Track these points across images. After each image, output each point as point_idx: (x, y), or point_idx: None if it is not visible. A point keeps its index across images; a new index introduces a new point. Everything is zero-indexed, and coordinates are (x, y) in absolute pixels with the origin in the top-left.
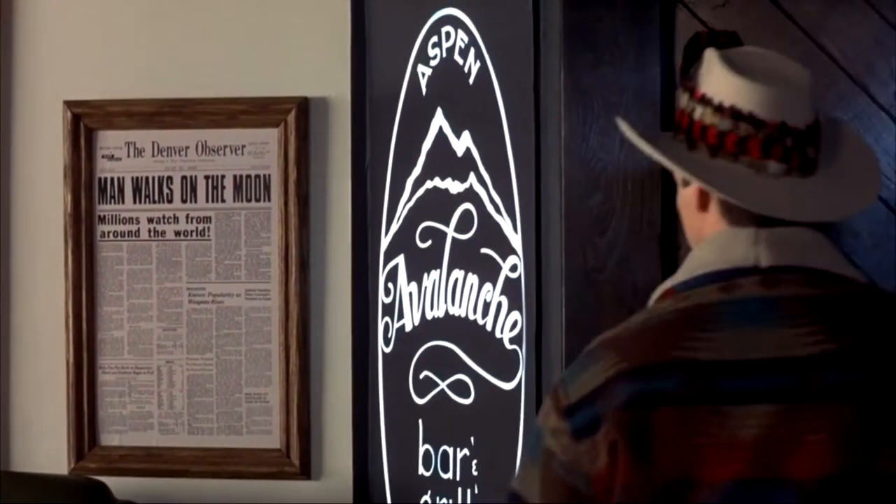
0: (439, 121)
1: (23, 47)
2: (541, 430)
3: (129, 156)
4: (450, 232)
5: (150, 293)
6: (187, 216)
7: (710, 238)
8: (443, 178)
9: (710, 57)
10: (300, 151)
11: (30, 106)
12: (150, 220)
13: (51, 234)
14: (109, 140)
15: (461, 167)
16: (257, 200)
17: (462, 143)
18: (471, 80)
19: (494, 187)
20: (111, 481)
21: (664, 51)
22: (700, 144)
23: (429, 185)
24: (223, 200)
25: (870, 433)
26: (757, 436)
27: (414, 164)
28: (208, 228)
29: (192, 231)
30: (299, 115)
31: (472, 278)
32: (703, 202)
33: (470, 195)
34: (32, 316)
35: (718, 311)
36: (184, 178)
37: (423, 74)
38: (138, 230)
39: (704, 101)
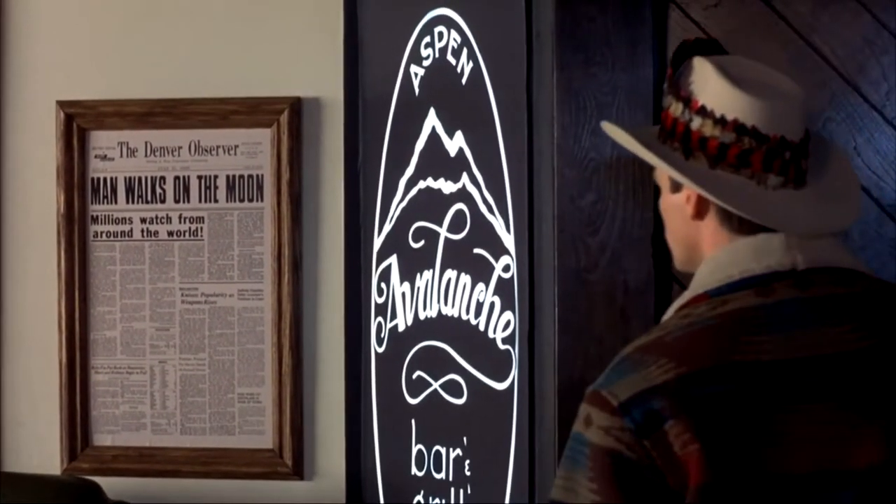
0: (432, 121)
1: (15, 47)
2: (582, 436)
3: (121, 156)
4: (443, 232)
5: (142, 293)
6: (180, 216)
7: (735, 246)
8: (436, 179)
9: (704, 67)
10: (293, 152)
11: (22, 106)
12: (143, 221)
13: (43, 234)
14: (102, 140)
15: (454, 167)
16: (250, 200)
17: (455, 144)
18: (463, 81)
19: (487, 187)
20: (104, 481)
21: (656, 51)
22: (698, 154)
23: (421, 185)
24: (216, 200)
25: None
26: (823, 430)
27: (407, 164)
28: (201, 228)
29: (184, 231)
30: (292, 116)
31: (465, 278)
32: (701, 211)
33: (463, 195)
34: (25, 316)
35: (762, 314)
36: (176, 178)
37: (416, 74)
38: (131, 230)
39: (703, 112)
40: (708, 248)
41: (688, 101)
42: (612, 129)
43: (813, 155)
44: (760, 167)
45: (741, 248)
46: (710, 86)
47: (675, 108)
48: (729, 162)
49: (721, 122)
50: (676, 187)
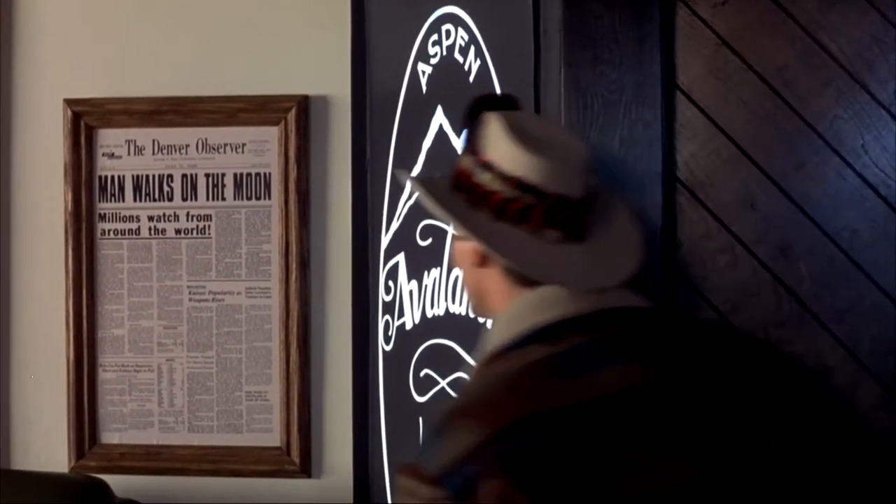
0: (440, 119)
1: (23, 46)
2: None
3: (129, 154)
4: (450, 230)
5: (150, 291)
6: (188, 214)
7: (523, 300)
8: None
9: (495, 124)
10: (300, 149)
11: (30, 104)
12: (151, 219)
13: (51, 232)
14: (109, 138)
15: None
16: (258, 198)
17: (463, 141)
18: (471, 78)
19: None
20: (111, 479)
21: (664, 49)
22: (483, 207)
23: None
24: (223, 198)
25: (712, 437)
26: (628, 461)
27: (414, 162)
28: (209, 226)
29: (192, 229)
30: (299, 114)
31: None
32: (481, 260)
33: None
34: (33, 314)
35: (554, 362)
36: (184, 176)
37: (424, 72)
38: (139, 228)
39: (489, 167)
40: (495, 297)
41: (476, 155)
42: (406, 179)
43: (598, 211)
44: (540, 223)
45: (529, 302)
46: (498, 143)
47: (466, 161)
48: (511, 216)
49: (505, 178)
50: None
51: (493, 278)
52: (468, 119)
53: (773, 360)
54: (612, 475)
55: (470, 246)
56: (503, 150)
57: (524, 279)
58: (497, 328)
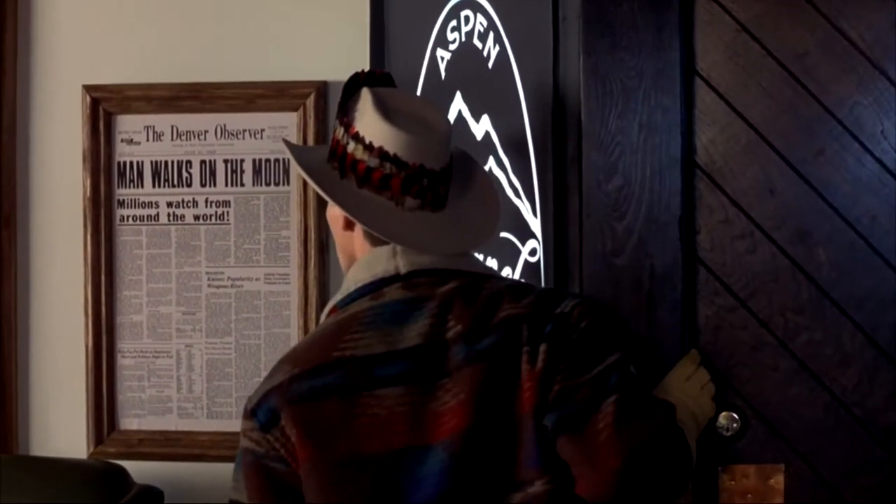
0: (458, 104)
1: (42, 32)
2: (240, 443)
3: (148, 140)
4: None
5: (169, 277)
6: (206, 200)
7: (359, 260)
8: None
9: (365, 98)
10: (319, 135)
11: (49, 91)
12: (170, 205)
13: (70, 218)
14: (128, 124)
15: (480, 151)
16: (276, 184)
17: (481, 127)
18: (490, 64)
19: (514, 171)
20: (130, 465)
21: (683, 35)
22: (350, 175)
23: None
24: (242, 184)
25: (495, 387)
26: (409, 410)
27: None
28: (227, 212)
29: (211, 215)
30: (318, 99)
31: (492, 262)
32: (349, 223)
33: None
34: (51, 300)
35: (369, 315)
36: (203, 162)
37: (442, 58)
38: (157, 214)
39: (357, 138)
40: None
41: (348, 126)
42: (287, 146)
43: (459, 182)
44: (399, 191)
45: (358, 264)
46: (366, 116)
47: (339, 132)
48: (373, 184)
49: (369, 148)
50: None
51: (358, 241)
52: (345, 93)
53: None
54: (368, 426)
55: (339, 211)
56: (369, 123)
57: (382, 240)
58: (343, 286)
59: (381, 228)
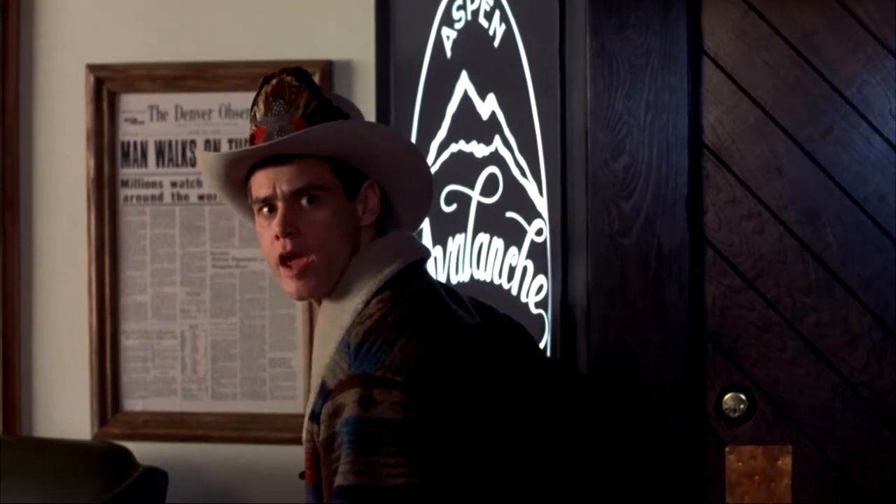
0: (464, 84)
1: (45, 12)
2: (367, 418)
3: (151, 119)
4: (475, 195)
5: (173, 258)
6: None
7: (390, 239)
8: (468, 142)
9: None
10: None
11: (52, 70)
12: (174, 185)
13: (74, 198)
14: (132, 104)
15: (486, 130)
16: None
17: (487, 107)
18: (496, 43)
19: (520, 150)
20: (134, 446)
21: (690, 14)
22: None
23: (454, 148)
24: None
25: None
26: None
27: (438, 127)
28: None
29: (215, 195)
30: (323, 79)
31: (498, 242)
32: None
33: (495, 158)
34: (55, 281)
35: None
36: (207, 141)
37: (448, 37)
38: (161, 194)
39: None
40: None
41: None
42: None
43: None
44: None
45: (393, 244)
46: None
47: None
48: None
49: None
50: None
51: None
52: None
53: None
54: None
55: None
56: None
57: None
58: (376, 265)
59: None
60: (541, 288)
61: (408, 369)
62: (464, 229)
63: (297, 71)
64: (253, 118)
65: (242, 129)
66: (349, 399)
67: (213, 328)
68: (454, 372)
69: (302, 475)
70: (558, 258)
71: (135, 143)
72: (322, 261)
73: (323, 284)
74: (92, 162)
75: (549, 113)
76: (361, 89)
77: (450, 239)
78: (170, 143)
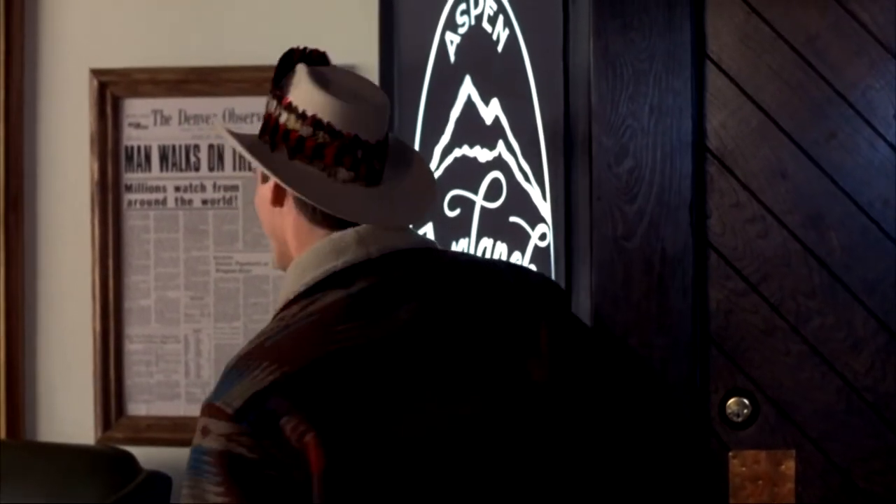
0: (468, 88)
1: (49, 16)
2: (201, 447)
3: (155, 124)
4: (478, 200)
5: (177, 262)
6: (214, 184)
7: (315, 248)
8: (471, 146)
9: (301, 71)
10: None
11: (56, 74)
12: (177, 189)
13: (77, 202)
14: (136, 108)
15: (490, 135)
16: None
17: (491, 111)
18: (499, 48)
19: (523, 155)
20: (138, 451)
21: (694, 16)
22: (281, 146)
23: (457, 153)
24: (250, 169)
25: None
26: (414, 398)
27: (442, 131)
28: (235, 197)
29: (219, 199)
30: None
31: (501, 247)
32: (279, 198)
33: (499, 163)
34: (59, 285)
35: (346, 304)
36: (211, 146)
37: (452, 42)
38: (165, 199)
39: (290, 108)
40: (293, 241)
41: (280, 98)
42: (218, 128)
43: (394, 161)
44: (332, 160)
45: (321, 250)
46: (300, 87)
47: (271, 105)
48: (305, 154)
49: (302, 116)
50: (265, 178)
51: (289, 218)
52: (279, 69)
53: (547, 303)
54: (395, 413)
55: (268, 186)
56: (304, 92)
57: (316, 218)
58: (290, 277)
59: (315, 196)
60: None
61: (240, 402)
62: (467, 234)
63: None
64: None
65: (246, 133)
66: (197, 427)
67: (216, 332)
68: (302, 402)
69: None
70: (562, 263)
71: (138, 148)
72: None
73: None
74: (96, 166)
75: (553, 117)
76: None
77: (453, 243)
78: (173, 147)
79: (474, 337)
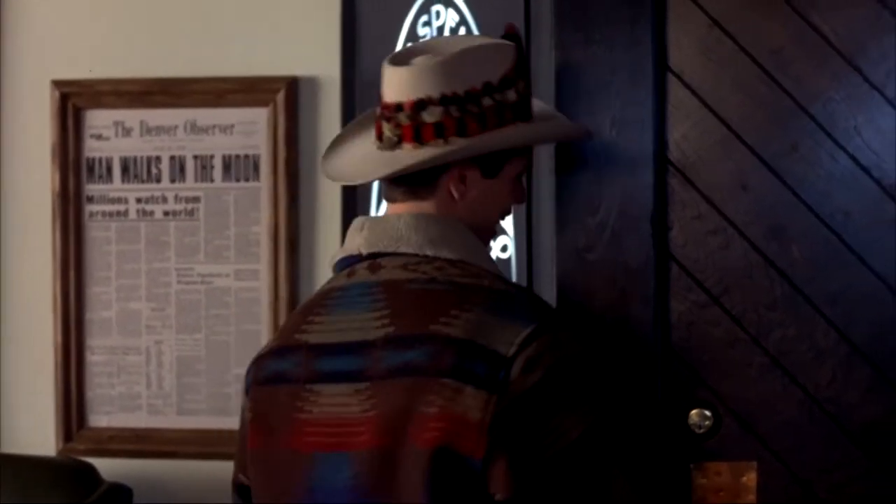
0: None
1: (10, 26)
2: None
3: (117, 135)
4: None
5: (138, 273)
6: (176, 196)
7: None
8: None
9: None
10: (289, 131)
11: (17, 85)
12: (139, 200)
13: (38, 214)
14: (97, 119)
15: None
16: (246, 180)
17: None
18: None
19: None
20: (99, 463)
21: (655, 29)
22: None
23: None
24: (212, 180)
25: (409, 409)
26: (334, 412)
27: None
28: (197, 208)
29: (180, 211)
30: (289, 95)
31: None
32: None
33: None
34: (19, 297)
35: (336, 296)
36: (172, 157)
37: None
38: (126, 210)
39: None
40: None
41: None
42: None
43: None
44: (378, 134)
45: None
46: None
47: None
48: (377, 135)
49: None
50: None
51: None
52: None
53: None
54: (306, 423)
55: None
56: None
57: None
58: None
59: (325, 167)
60: None
61: None
62: None
63: None
64: None
65: (208, 145)
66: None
67: (178, 344)
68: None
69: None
70: (524, 275)
71: (100, 159)
72: None
73: None
74: (57, 177)
75: None
76: (327, 105)
77: None
78: (135, 159)
79: (394, 375)
